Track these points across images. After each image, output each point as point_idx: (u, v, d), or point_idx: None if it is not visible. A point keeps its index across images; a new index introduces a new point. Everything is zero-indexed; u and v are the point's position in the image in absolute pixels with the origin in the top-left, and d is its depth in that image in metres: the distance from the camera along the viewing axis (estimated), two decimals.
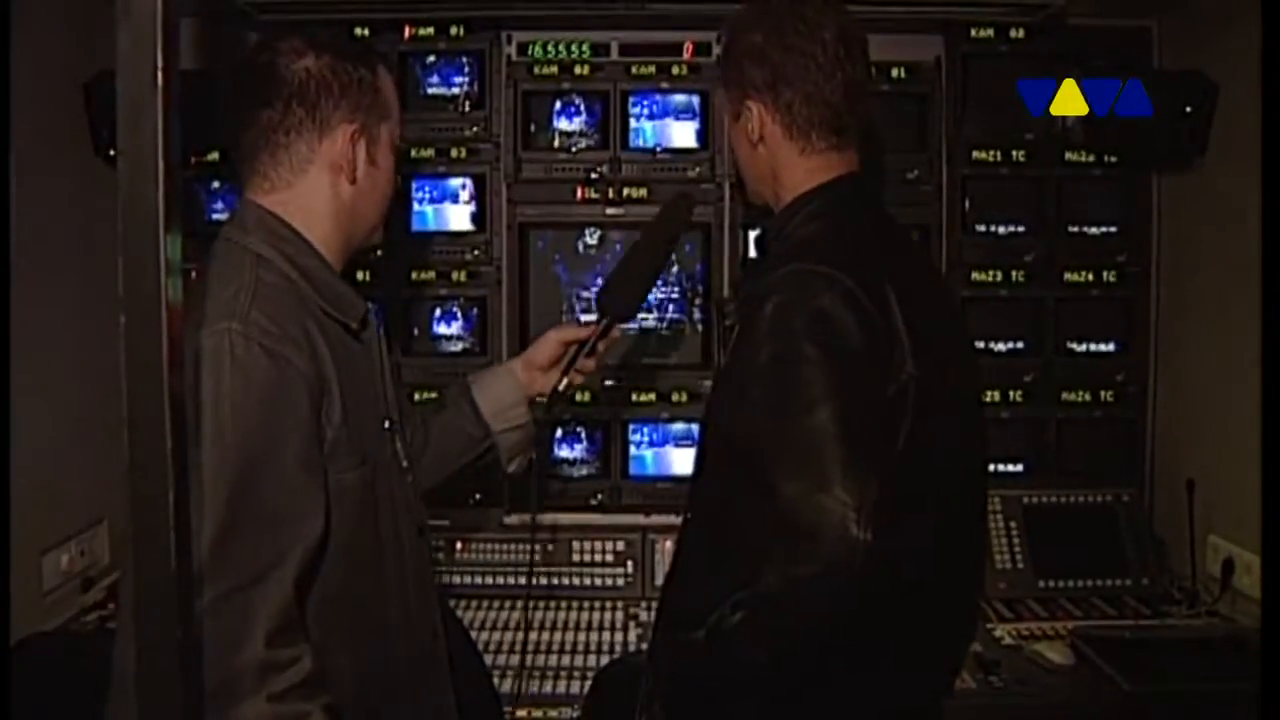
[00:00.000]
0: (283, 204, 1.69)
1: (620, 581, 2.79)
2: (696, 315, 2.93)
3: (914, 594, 1.53)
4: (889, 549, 1.40)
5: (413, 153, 2.84)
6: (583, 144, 2.89)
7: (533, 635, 2.51)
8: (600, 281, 2.90)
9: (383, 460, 1.74)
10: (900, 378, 1.56)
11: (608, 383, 2.89)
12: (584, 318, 2.87)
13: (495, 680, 2.28)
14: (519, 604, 2.67)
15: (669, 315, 2.92)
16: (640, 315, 2.87)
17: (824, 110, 1.75)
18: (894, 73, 2.86)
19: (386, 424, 1.78)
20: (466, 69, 2.89)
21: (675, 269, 2.90)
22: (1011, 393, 2.89)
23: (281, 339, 1.53)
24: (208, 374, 1.47)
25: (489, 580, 2.77)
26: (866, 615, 1.46)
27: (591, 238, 2.91)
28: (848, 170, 1.80)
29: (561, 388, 2.06)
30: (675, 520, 2.79)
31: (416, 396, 2.66)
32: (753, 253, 2.81)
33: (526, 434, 2.13)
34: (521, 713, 2.23)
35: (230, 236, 1.67)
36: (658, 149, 2.87)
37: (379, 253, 2.82)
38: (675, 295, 2.91)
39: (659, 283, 2.86)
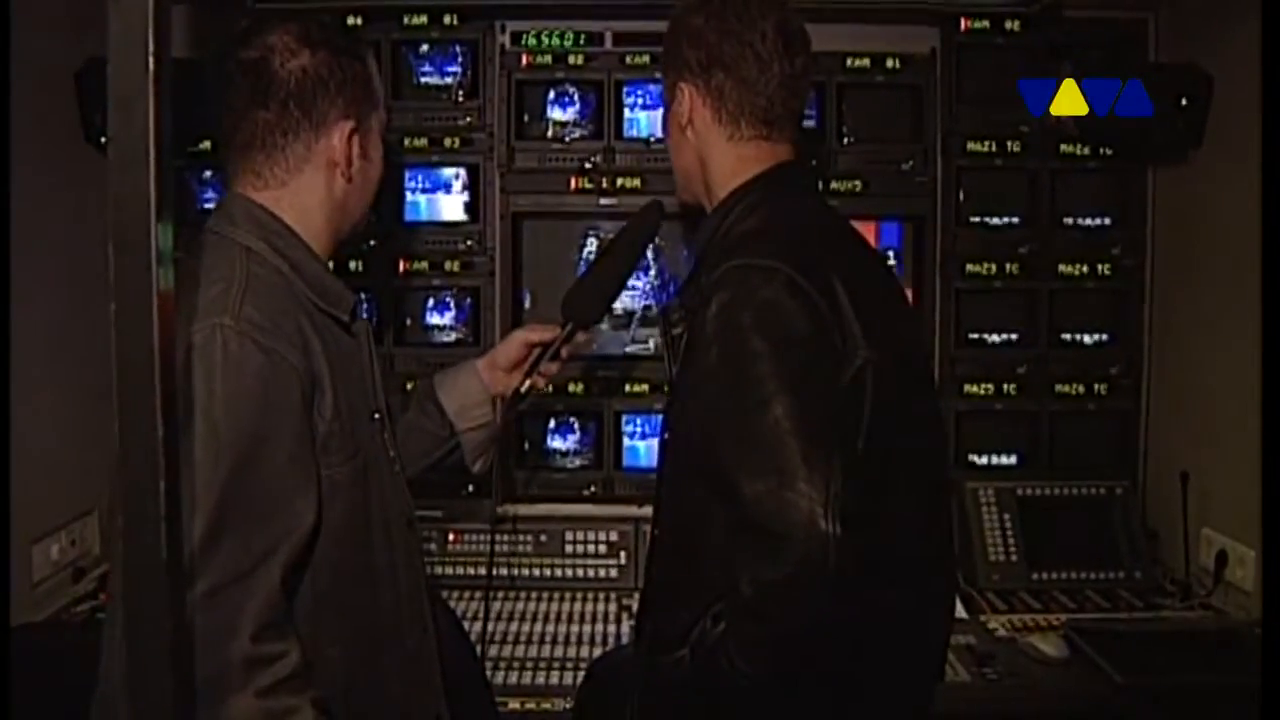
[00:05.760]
0: (275, 200, 1.67)
1: (613, 572, 2.79)
2: None
3: (888, 584, 1.52)
4: (858, 540, 1.38)
5: (406, 142, 2.83)
6: (576, 134, 2.88)
7: (525, 626, 2.52)
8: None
9: (373, 452, 1.73)
10: (855, 363, 1.54)
11: (600, 374, 2.89)
12: None
13: (488, 672, 2.27)
14: (512, 595, 2.67)
15: (662, 304, 2.90)
16: (633, 305, 2.89)
17: (755, 99, 1.74)
18: (889, 64, 2.86)
19: (375, 415, 1.77)
20: (460, 58, 2.87)
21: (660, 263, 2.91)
22: (1005, 385, 2.89)
23: (274, 334, 1.52)
24: (200, 369, 1.45)
25: (482, 571, 2.75)
26: (842, 612, 1.43)
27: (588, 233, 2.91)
28: (779, 160, 1.78)
29: (524, 390, 2.07)
30: None
31: (408, 386, 2.65)
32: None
33: (490, 433, 2.12)
34: (515, 704, 2.22)
35: (218, 230, 1.65)
36: (651, 139, 2.85)
37: (371, 243, 2.82)
38: (670, 285, 2.90)
39: (649, 274, 2.88)
